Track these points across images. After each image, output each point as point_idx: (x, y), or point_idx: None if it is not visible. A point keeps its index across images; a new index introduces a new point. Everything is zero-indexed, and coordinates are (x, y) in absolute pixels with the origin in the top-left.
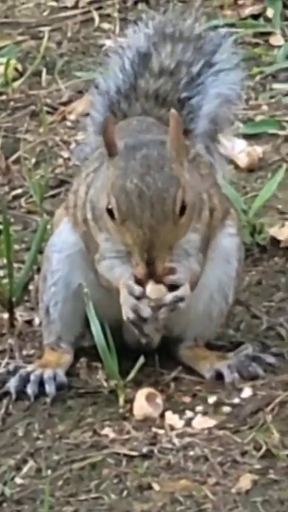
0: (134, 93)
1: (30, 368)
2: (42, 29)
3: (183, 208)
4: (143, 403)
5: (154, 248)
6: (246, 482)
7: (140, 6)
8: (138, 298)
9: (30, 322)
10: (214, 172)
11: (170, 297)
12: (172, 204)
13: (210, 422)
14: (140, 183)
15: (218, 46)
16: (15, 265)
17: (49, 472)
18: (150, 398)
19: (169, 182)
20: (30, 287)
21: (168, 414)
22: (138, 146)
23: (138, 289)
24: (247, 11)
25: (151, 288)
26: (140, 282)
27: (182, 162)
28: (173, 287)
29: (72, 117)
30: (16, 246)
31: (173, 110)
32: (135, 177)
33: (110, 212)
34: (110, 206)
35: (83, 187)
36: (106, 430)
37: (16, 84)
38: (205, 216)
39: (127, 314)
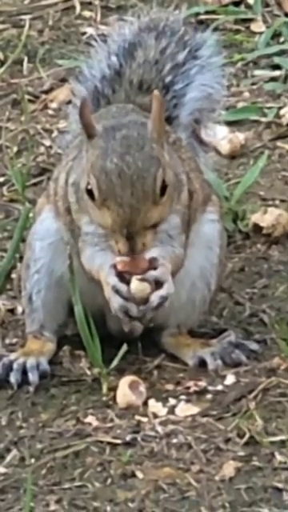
0: (118, 80)
1: (12, 356)
2: (23, 17)
3: (164, 188)
4: (126, 391)
5: (135, 226)
6: (229, 469)
7: None
8: (125, 298)
9: (12, 311)
10: (196, 158)
11: (155, 299)
12: (152, 183)
13: (194, 410)
14: (120, 162)
15: (203, 42)
16: None
17: (32, 461)
18: (133, 386)
19: (149, 161)
20: (13, 276)
21: (151, 401)
22: (117, 127)
23: (124, 288)
24: None
25: (135, 286)
26: (122, 277)
27: (162, 143)
28: (156, 282)
29: (54, 105)
30: None
31: (156, 91)
32: (115, 156)
33: (89, 193)
34: (89, 187)
35: (63, 175)
36: (90, 418)
37: None
38: (184, 197)
39: (114, 309)
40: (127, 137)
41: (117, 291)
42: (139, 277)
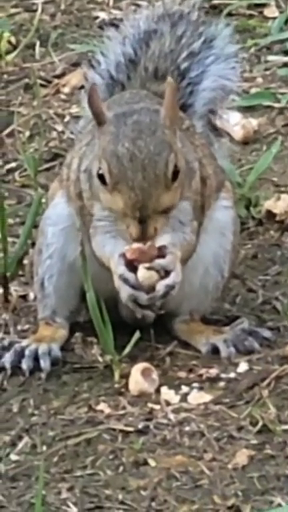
0: (133, 68)
1: (24, 343)
2: (35, 1)
3: (176, 173)
4: (139, 378)
5: (147, 209)
6: (242, 457)
7: None
8: (134, 287)
9: (24, 297)
10: (209, 144)
11: (161, 288)
12: (164, 167)
13: (206, 397)
14: (131, 147)
15: (219, 33)
16: (9, 239)
17: (44, 448)
18: (145, 373)
19: (161, 146)
20: (25, 262)
21: (164, 389)
22: (128, 113)
23: (131, 277)
24: None
25: (142, 274)
26: (130, 266)
27: (174, 130)
28: (165, 271)
29: (66, 90)
30: (10, 220)
31: (169, 78)
32: (126, 141)
33: (101, 177)
34: (100, 171)
35: (76, 160)
36: (102, 406)
37: (9, 57)
38: (195, 184)
39: (124, 298)
40: (138, 122)
41: (125, 280)
42: (146, 265)
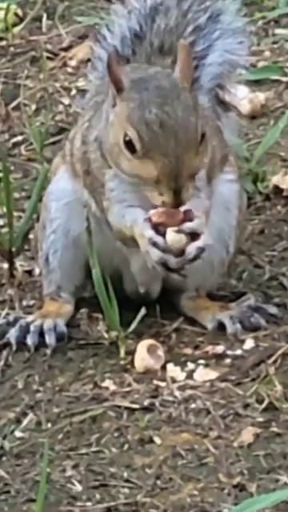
0: (138, 42)
1: (30, 318)
2: None
3: (202, 136)
4: (144, 355)
5: (181, 176)
6: (248, 435)
7: None
8: (163, 250)
9: (30, 272)
10: (217, 119)
11: (192, 250)
12: (194, 132)
13: (212, 374)
14: (160, 112)
15: (225, 8)
16: (15, 213)
17: (49, 425)
18: (151, 350)
19: (188, 110)
20: (31, 236)
21: (169, 366)
22: (146, 78)
23: (161, 240)
24: None
25: (171, 238)
26: (157, 229)
27: (193, 92)
28: (191, 234)
29: (73, 63)
30: (16, 195)
31: (182, 41)
32: (153, 106)
33: (128, 145)
34: (127, 139)
35: (79, 136)
36: (107, 383)
37: (16, 29)
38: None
39: (153, 262)
40: (160, 87)
41: (154, 244)
42: (175, 228)
